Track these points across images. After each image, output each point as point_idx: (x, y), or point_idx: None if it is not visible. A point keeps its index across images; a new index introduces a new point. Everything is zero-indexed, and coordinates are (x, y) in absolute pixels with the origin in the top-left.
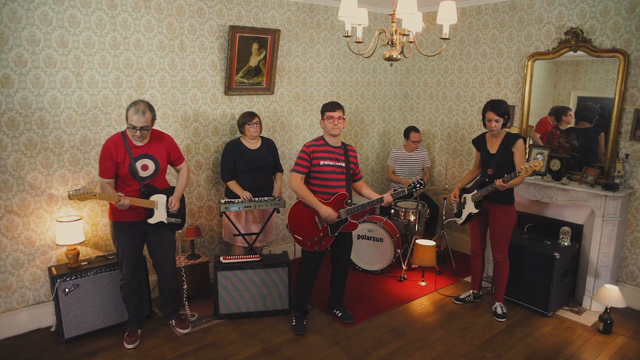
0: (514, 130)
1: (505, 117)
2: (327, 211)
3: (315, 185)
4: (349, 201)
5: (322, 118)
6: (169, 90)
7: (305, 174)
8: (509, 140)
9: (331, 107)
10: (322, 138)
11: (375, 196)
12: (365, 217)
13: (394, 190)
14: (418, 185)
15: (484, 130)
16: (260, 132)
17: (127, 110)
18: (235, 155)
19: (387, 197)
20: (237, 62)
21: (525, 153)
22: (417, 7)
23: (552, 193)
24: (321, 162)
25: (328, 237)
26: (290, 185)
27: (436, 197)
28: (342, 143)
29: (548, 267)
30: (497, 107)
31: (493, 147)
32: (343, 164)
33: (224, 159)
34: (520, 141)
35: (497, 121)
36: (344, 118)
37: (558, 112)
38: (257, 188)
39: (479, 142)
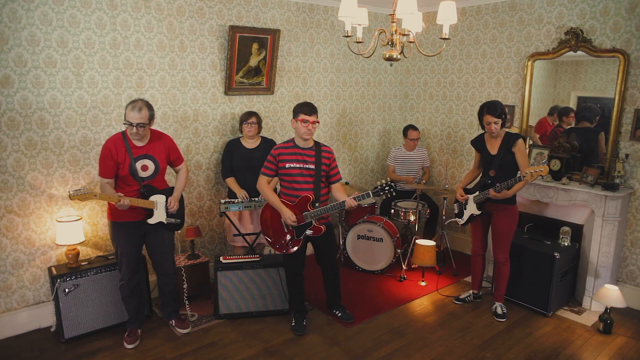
0: (514, 130)
1: (503, 117)
2: (286, 213)
3: (284, 187)
4: (317, 204)
5: (294, 117)
6: (169, 90)
7: (270, 176)
8: (509, 141)
9: (308, 110)
10: (292, 140)
11: (343, 199)
12: (365, 217)
13: (357, 193)
14: (387, 188)
15: (482, 131)
16: (258, 132)
17: (126, 107)
18: (232, 153)
19: (349, 201)
20: (237, 62)
21: (526, 153)
22: (417, 7)
23: (552, 193)
24: (287, 165)
25: (295, 240)
26: (257, 186)
27: (436, 197)
28: (317, 143)
29: (548, 267)
30: (494, 109)
31: (493, 148)
32: (312, 166)
33: (223, 157)
34: (521, 141)
35: (496, 123)
36: (318, 122)
37: (560, 113)
38: (252, 187)
39: (478, 143)
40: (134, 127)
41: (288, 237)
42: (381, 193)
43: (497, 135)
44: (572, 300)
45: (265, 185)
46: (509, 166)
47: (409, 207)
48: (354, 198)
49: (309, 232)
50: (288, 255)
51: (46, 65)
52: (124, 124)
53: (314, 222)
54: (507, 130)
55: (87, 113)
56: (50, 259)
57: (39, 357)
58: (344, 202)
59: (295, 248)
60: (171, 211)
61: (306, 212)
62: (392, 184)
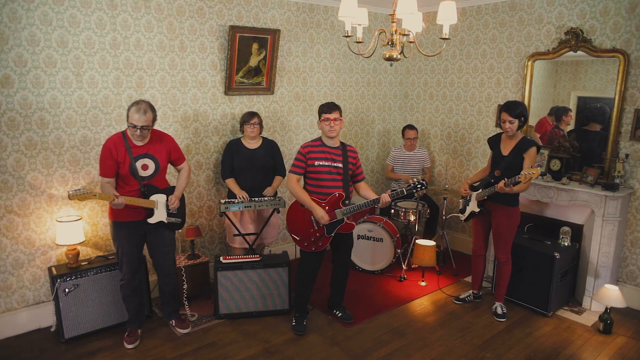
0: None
1: (522, 119)
2: (319, 212)
3: (311, 185)
4: (347, 202)
5: (319, 119)
6: (169, 90)
7: (301, 175)
8: (523, 145)
9: (327, 108)
10: (319, 139)
11: (372, 196)
12: (365, 217)
13: (392, 190)
14: (419, 186)
15: (497, 130)
16: (260, 133)
17: (129, 109)
18: (233, 153)
19: (385, 198)
20: (237, 62)
21: (535, 161)
22: (417, 7)
23: (552, 193)
24: (316, 163)
25: (325, 237)
26: (287, 185)
27: (436, 197)
28: (342, 143)
29: (548, 267)
30: (512, 109)
31: (506, 149)
32: (340, 165)
33: (223, 157)
34: (534, 149)
35: (511, 122)
36: (340, 119)
37: (558, 112)
38: (253, 188)
39: (494, 142)
40: (138, 130)
41: (318, 234)
42: (414, 191)
43: (512, 136)
44: (572, 300)
45: (296, 183)
46: (515, 169)
47: (409, 207)
48: (389, 194)
49: (343, 230)
50: (310, 254)
51: (46, 65)
52: (128, 125)
53: (345, 219)
54: (524, 135)
55: (87, 113)
56: (50, 259)
57: (39, 357)
58: (378, 198)
59: (325, 245)
60: (172, 208)
61: (338, 210)
62: (423, 181)
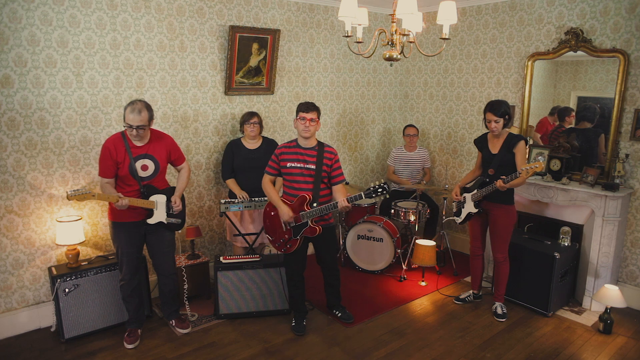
0: (514, 130)
1: (506, 117)
2: (282, 210)
3: (285, 186)
4: (314, 205)
5: (295, 117)
6: (169, 90)
7: (273, 175)
8: (511, 141)
9: (305, 107)
10: (295, 140)
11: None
12: (365, 217)
13: (349, 195)
14: (379, 190)
15: (485, 130)
16: (260, 133)
17: (125, 109)
18: (234, 154)
19: (342, 203)
20: (237, 62)
21: (526, 155)
22: (417, 7)
23: (552, 193)
24: (288, 164)
25: (292, 240)
26: (261, 184)
27: (436, 197)
28: (320, 144)
29: (548, 267)
30: (496, 108)
31: (494, 147)
32: (312, 166)
33: (224, 158)
34: (522, 143)
35: (496, 122)
36: (317, 120)
37: (561, 113)
38: (254, 187)
39: (481, 142)
40: (134, 130)
41: (286, 236)
42: (373, 195)
43: (498, 134)
44: (572, 300)
45: (268, 183)
46: (508, 166)
47: (409, 207)
48: (347, 199)
49: (307, 233)
50: (288, 255)
51: (46, 65)
52: (124, 126)
53: (309, 223)
54: (510, 131)
55: (87, 113)
56: (50, 259)
57: (39, 357)
58: (336, 203)
59: (293, 247)
60: (175, 210)
61: (302, 212)
62: (386, 185)
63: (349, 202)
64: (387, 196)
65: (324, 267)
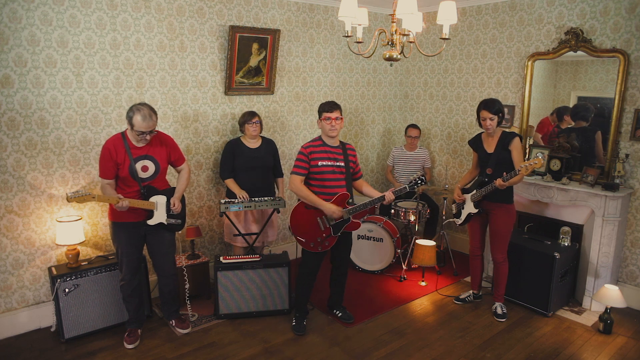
0: (514, 129)
1: (500, 115)
2: (331, 208)
3: (315, 186)
4: (351, 201)
5: (319, 118)
6: (169, 90)
7: (304, 176)
8: (506, 139)
9: (328, 107)
10: (320, 138)
11: (376, 194)
12: (365, 217)
13: (395, 188)
14: (419, 182)
15: (480, 130)
16: (260, 132)
17: (132, 117)
18: (234, 153)
19: (389, 195)
20: (237, 62)
21: (524, 151)
22: (417, 7)
23: (552, 193)
24: (319, 163)
25: (331, 237)
26: (290, 187)
27: (436, 197)
28: (341, 142)
29: (548, 267)
30: (491, 106)
31: (490, 146)
32: (342, 164)
33: (223, 157)
34: (517, 139)
35: (491, 119)
36: (341, 118)
37: (560, 112)
38: (254, 187)
39: (475, 143)
40: (147, 135)
41: (324, 235)
42: (415, 187)
43: (493, 133)
44: (572, 300)
45: (301, 184)
46: (505, 164)
47: (409, 207)
48: (392, 192)
49: (349, 228)
50: (311, 254)
51: (46, 65)
52: (135, 132)
53: (351, 218)
54: (503, 129)
55: (87, 113)
56: (50, 259)
57: (39, 357)
58: (383, 196)
59: (331, 245)
60: (175, 212)
61: (344, 209)
62: (423, 176)
63: (394, 195)
64: (425, 183)
65: (336, 265)
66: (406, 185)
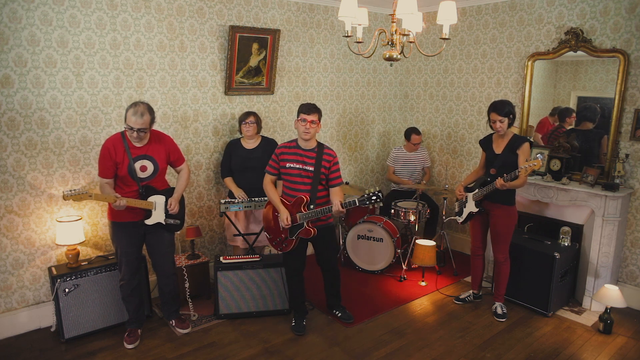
0: (514, 130)
1: (510, 116)
2: (282, 214)
3: (285, 187)
4: (312, 206)
5: (296, 118)
6: (169, 90)
7: (274, 175)
8: (515, 142)
9: (306, 109)
10: (295, 140)
11: (333, 204)
12: (365, 217)
13: (345, 200)
14: (373, 198)
15: (490, 131)
16: (257, 132)
17: (127, 110)
18: (231, 154)
19: (336, 207)
20: (237, 62)
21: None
22: (417, 7)
23: (552, 193)
24: (287, 165)
25: (289, 239)
26: (263, 184)
27: (436, 197)
28: (320, 145)
29: (548, 267)
30: (500, 108)
31: (499, 147)
32: (311, 168)
33: (223, 157)
34: (527, 144)
35: (501, 122)
36: (317, 122)
37: (562, 114)
38: (251, 187)
39: (486, 143)
40: (135, 132)
41: (283, 235)
42: (367, 202)
43: (503, 134)
44: (572, 300)
45: (269, 183)
46: (510, 166)
47: (409, 207)
48: (341, 204)
49: (302, 234)
50: (287, 254)
51: (46, 65)
52: (125, 127)
53: (305, 224)
54: (515, 132)
55: (87, 113)
56: (50, 259)
57: (39, 357)
58: (331, 206)
59: (289, 247)
60: (171, 212)
61: (299, 213)
62: (380, 193)
63: (343, 208)
64: (382, 204)
65: (323, 267)
66: (356, 199)
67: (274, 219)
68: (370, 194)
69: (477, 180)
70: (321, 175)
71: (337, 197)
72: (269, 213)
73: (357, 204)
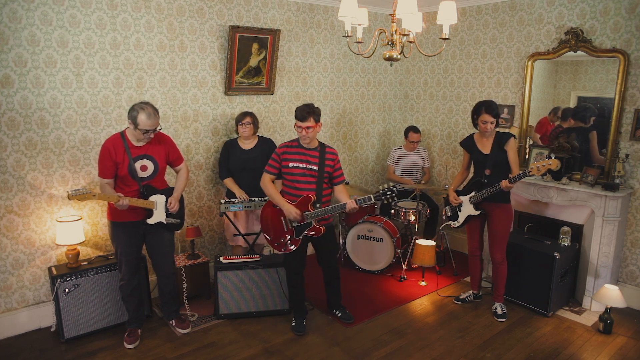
0: (514, 130)
1: (498, 117)
2: (289, 209)
3: (286, 186)
4: (318, 205)
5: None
6: (169, 90)
7: (274, 175)
8: (502, 140)
9: (300, 116)
10: (297, 140)
11: (344, 201)
12: (365, 217)
13: (356, 196)
14: (389, 193)
15: (472, 131)
16: (253, 133)
17: (136, 115)
18: (229, 154)
19: (350, 204)
20: (237, 62)
21: (524, 152)
22: (417, 7)
23: (552, 193)
24: (290, 164)
25: (294, 239)
26: (261, 184)
27: (436, 197)
28: (322, 144)
29: (548, 267)
30: (493, 109)
31: (485, 147)
32: (315, 167)
33: (220, 158)
34: (513, 139)
35: (492, 123)
36: (314, 126)
37: (564, 114)
38: (250, 188)
39: (468, 144)
40: (151, 133)
41: (287, 236)
42: (382, 198)
43: (489, 134)
44: (572, 300)
45: (269, 182)
46: (502, 165)
47: (409, 207)
48: (356, 201)
49: (311, 233)
50: (288, 255)
51: (46, 65)
52: (139, 131)
53: (313, 223)
54: (498, 130)
55: (87, 113)
56: (50, 259)
57: (39, 357)
58: (345, 204)
59: (294, 247)
60: (172, 211)
61: (307, 212)
62: (394, 188)
63: (357, 204)
64: (395, 199)
65: (324, 267)
66: (371, 195)
67: (274, 219)
68: (386, 189)
69: (471, 183)
70: (325, 174)
71: (342, 194)
72: (268, 214)
73: (373, 200)
